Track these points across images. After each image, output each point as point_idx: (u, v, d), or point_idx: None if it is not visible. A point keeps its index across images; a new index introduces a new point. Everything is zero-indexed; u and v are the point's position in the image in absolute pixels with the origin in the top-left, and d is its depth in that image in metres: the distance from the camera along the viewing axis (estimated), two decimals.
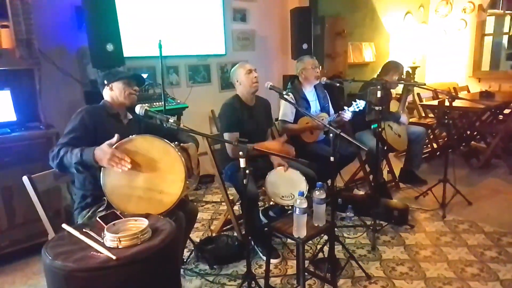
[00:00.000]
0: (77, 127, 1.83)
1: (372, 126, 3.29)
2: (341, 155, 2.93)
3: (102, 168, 1.70)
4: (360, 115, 3.02)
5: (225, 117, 2.63)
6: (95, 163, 1.66)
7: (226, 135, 2.61)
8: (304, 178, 2.50)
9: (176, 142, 1.84)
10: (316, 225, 2.05)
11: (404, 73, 5.90)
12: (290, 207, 2.46)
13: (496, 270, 2.36)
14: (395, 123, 3.48)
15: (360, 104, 2.90)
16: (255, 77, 2.60)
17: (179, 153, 1.75)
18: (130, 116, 2.11)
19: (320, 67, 3.24)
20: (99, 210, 1.84)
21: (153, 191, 1.73)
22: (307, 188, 2.47)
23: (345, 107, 2.96)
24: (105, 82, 2.03)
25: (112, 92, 2.02)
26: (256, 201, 2.54)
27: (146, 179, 1.73)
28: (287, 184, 2.50)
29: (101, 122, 1.91)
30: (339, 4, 5.50)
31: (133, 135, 1.74)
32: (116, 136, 1.67)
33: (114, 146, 1.66)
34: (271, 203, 2.59)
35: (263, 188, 2.52)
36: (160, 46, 3.10)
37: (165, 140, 1.76)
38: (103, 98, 2.06)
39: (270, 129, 2.96)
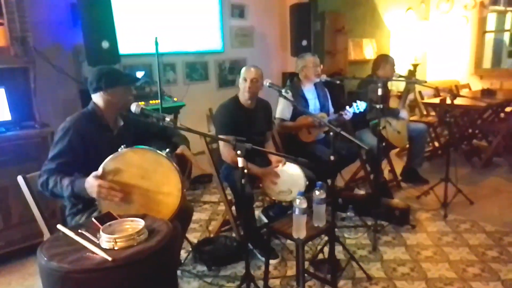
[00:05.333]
0: (65, 150, 1.73)
1: (370, 123, 3.26)
2: (342, 156, 2.89)
3: None
4: (361, 114, 2.98)
5: (219, 120, 2.59)
6: (88, 196, 1.62)
7: None
8: (303, 174, 2.47)
9: (168, 149, 1.76)
10: (316, 225, 2.02)
11: (406, 71, 5.89)
12: (287, 203, 2.44)
13: (498, 270, 2.33)
14: (394, 119, 3.44)
15: (360, 106, 2.87)
16: (249, 87, 2.52)
17: (173, 164, 1.69)
18: (121, 123, 1.99)
19: (321, 65, 3.19)
20: (92, 215, 1.79)
21: (150, 205, 1.68)
22: (306, 182, 2.43)
23: (347, 106, 2.92)
24: (103, 87, 1.84)
25: (110, 98, 1.86)
26: (251, 202, 2.51)
27: (141, 195, 1.68)
28: (285, 179, 2.48)
29: (90, 138, 1.81)
30: (339, 0, 5.45)
31: (123, 148, 1.66)
32: (100, 169, 1.61)
33: (101, 174, 1.60)
34: (272, 199, 2.54)
35: (260, 185, 2.50)
36: (157, 43, 3.08)
37: (157, 151, 1.69)
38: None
39: (270, 132, 2.90)
